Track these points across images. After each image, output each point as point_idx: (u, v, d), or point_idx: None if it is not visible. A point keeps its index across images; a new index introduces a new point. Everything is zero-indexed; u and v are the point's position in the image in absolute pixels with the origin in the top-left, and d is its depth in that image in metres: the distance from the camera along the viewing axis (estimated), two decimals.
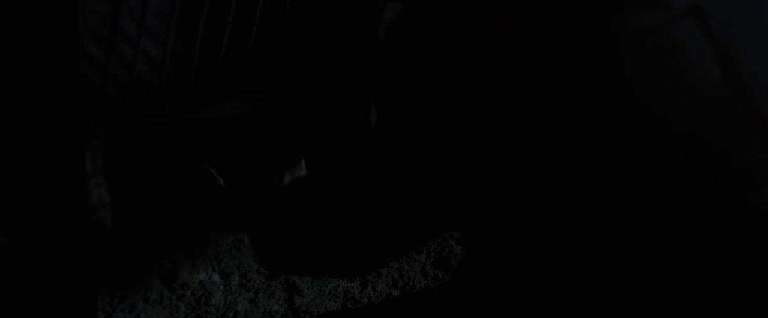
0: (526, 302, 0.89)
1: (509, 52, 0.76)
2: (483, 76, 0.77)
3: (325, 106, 1.86)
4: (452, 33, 0.79)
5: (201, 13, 1.54)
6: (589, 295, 0.84)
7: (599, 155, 0.77)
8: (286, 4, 1.65)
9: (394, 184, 0.86)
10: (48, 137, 1.55)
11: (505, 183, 0.82)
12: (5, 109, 1.54)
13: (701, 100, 0.78)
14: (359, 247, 0.91)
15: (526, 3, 0.77)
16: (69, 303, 1.63)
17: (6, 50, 1.51)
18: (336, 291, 1.90)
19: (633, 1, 0.78)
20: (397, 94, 0.85)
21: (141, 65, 1.56)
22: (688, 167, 0.78)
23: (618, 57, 0.77)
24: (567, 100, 0.76)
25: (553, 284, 0.86)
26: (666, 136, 0.78)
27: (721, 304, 0.79)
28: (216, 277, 1.76)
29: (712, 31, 0.80)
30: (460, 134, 0.80)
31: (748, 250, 0.77)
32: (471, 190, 0.83)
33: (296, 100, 1.80)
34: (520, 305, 0.89)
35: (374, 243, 0.90)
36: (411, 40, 0.82)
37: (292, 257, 1.00)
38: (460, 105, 0.79)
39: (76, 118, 1.50)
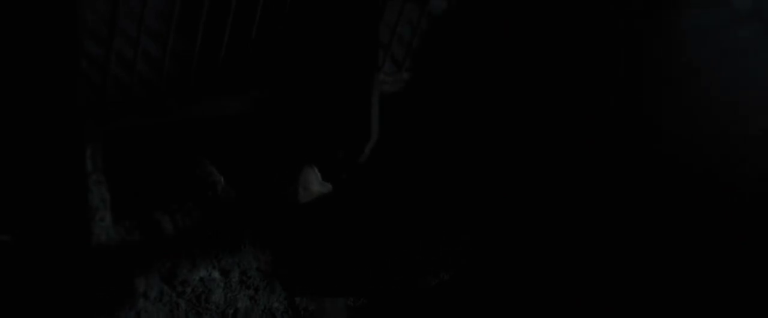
0: (527, 302, 0.89)
1: (563, 51, 0.75)
2: (533, 75, 0.76)
3: (325, 105, 1.86)
4: (495, 36, 0.77)
5: (201, 13, 1.54)
6: (589, 296, 0.84)
7: (626, 154, 0.76)
8: (286, 4, 1.65)
9: (399, 187, 0.85)
10: (48, 137, 1.55)
11: (509, 184, 0.81)
12: (5, 108, 1.54)
13: (762, 103, 0.77)
14: (363, 257, 0.90)
15: (590, 4, 0.76)
16: (69, 300, 1.64)
17: (6, 50, 1.51)
18: None
19: (696, 2, 0.77)
20: (424, 93, 0.83)
21: (141, 65, 1.56)
22: (742, 167, 0.76)
23: (680, 56, 0.75)
24: (621, 99, 0.75)
25: (554, 284, 0.86)
26: (720, 136, 0.76)
27: (736, 307, 0.78)
28: (216, 275, 1.77)
29: None
30: (476, 136, 0.79)
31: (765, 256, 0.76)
32: (477, 192, 0.83)
33: (296, 100, 1.80)
34: (521, 305, 0.90)
35: (379, 254, 0.90)
36: (449, 42, 0.81)
37: (293, 259, 1.00)
38: (492, 105, 0.77)
39: (76, 118, 1.50)
